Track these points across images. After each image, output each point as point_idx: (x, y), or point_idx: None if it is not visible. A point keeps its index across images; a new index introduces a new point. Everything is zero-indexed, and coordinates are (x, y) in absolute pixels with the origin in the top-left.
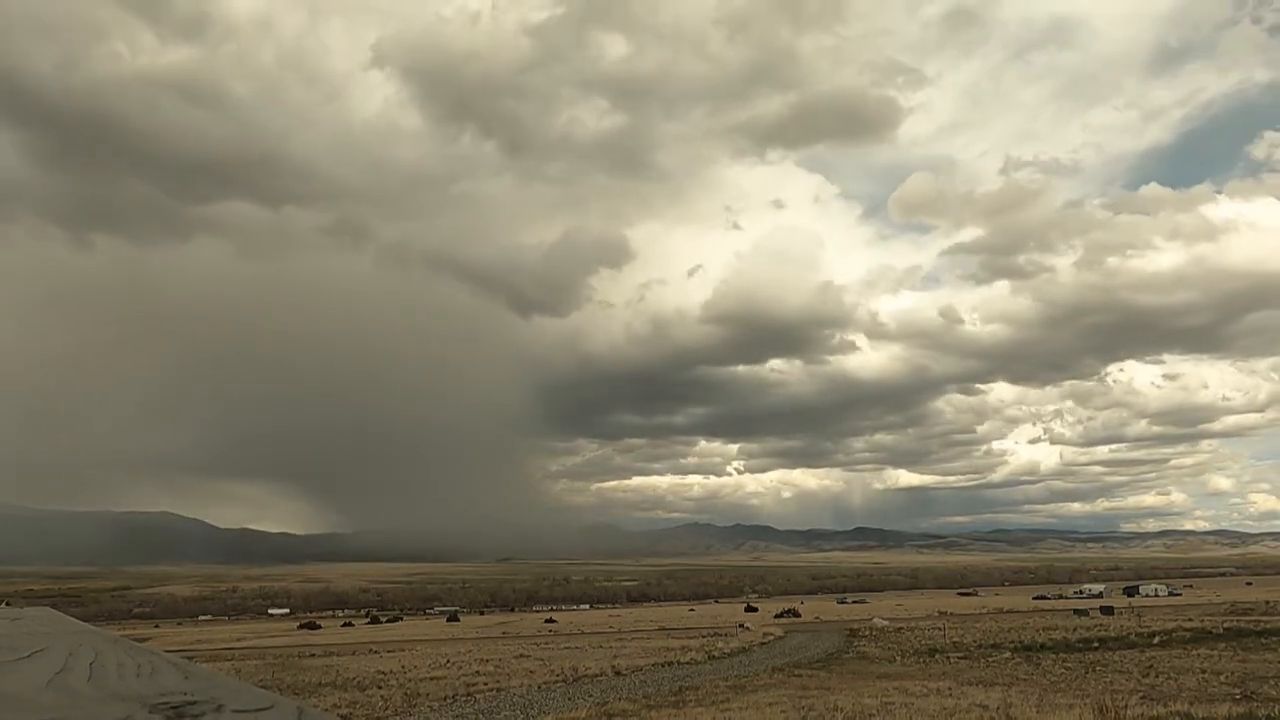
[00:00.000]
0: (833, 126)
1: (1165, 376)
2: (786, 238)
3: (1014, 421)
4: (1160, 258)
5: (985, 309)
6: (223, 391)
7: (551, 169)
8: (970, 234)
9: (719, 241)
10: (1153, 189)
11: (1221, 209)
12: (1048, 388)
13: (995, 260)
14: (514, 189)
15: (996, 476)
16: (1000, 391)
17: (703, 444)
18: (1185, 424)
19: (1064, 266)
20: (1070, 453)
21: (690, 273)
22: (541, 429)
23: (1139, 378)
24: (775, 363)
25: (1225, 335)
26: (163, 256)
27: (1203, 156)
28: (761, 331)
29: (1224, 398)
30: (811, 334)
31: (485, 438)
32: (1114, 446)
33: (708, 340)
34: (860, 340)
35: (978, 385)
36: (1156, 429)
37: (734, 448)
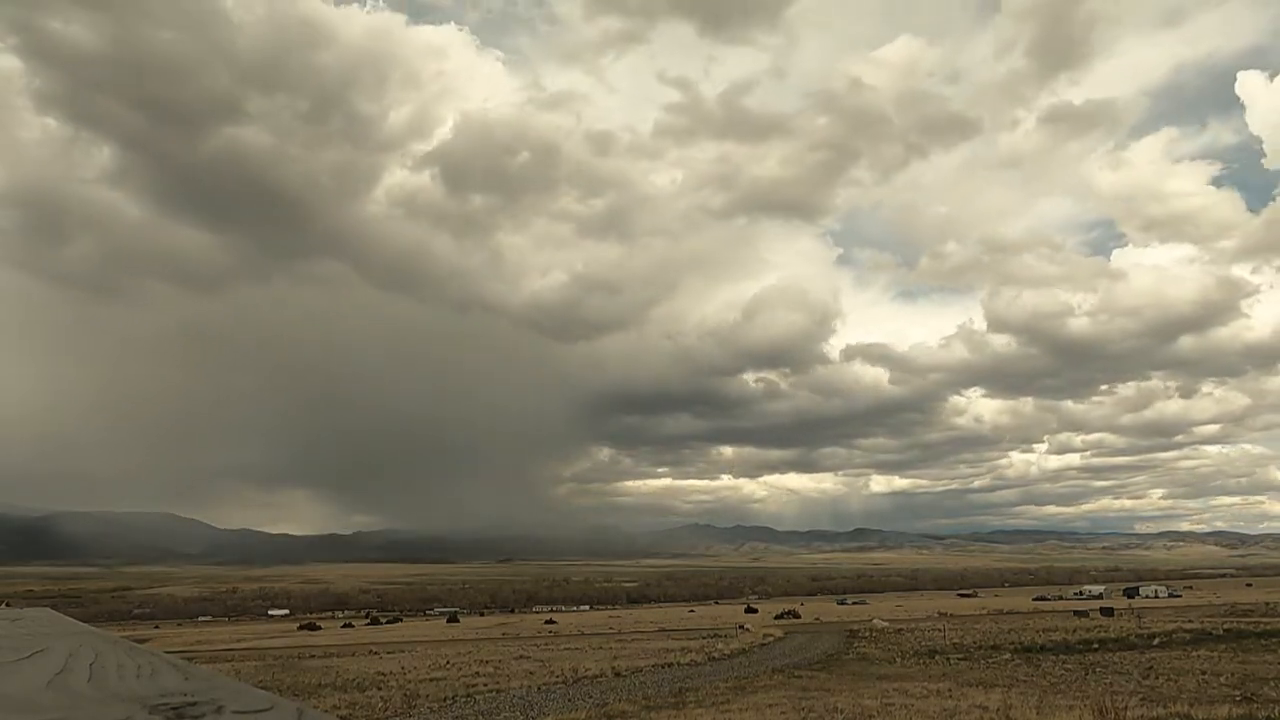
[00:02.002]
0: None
1: (1160, 384)
2: (795, 284)
3: (1012, 429)
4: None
5: (967, 334)
6: (313, 409)
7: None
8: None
9: (736, 287)
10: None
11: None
12: (1045, 400)
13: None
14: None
15: (997, 480)
16: (999, 401)
17: (704, 448)
18: (1183, 429)
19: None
20: (1070, 457)
21: (711, 310)
22: (567, 437)
23: (1134, 387)
24: (777, 377)
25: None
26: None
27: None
28: (764, 354)
29: (1215, 406)
30: (812, 355)
31: (518, 447)
32: (1113, 451)
33: (716, 361)
34: (858, 359)
35: (976, 395)
36: (1155, 434)
37: (735, 451)
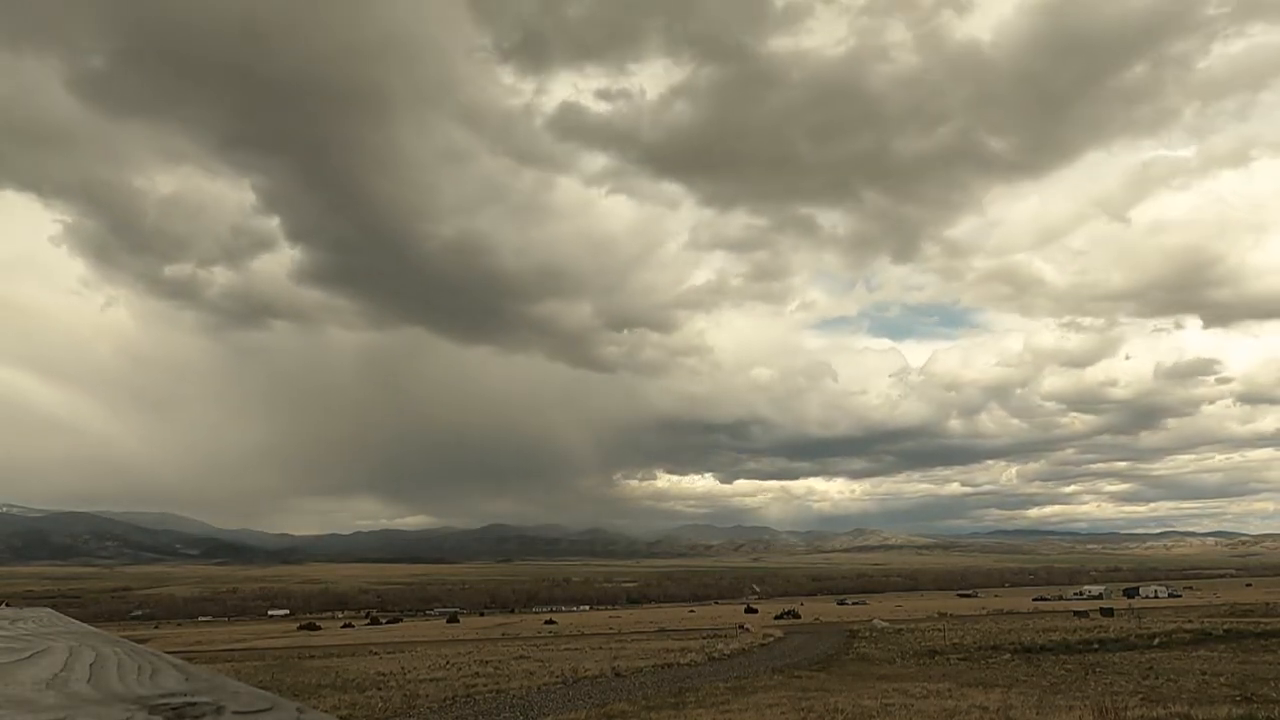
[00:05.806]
0: None
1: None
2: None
3: (1010, 431)
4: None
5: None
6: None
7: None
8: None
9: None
10: None
11: None
12: (1043, 404)
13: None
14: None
15: (996, 482)
16: (997, 406)
17: (706, 451)
18: (1181, 430)
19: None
20: (1070, 460)
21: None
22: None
23: (1131, 391)
24: (779, 401)
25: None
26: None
27: None
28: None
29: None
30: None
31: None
32: (1113, 453)
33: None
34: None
35: (974, 401)
36: (1153, 435)
37: (737, 455)
